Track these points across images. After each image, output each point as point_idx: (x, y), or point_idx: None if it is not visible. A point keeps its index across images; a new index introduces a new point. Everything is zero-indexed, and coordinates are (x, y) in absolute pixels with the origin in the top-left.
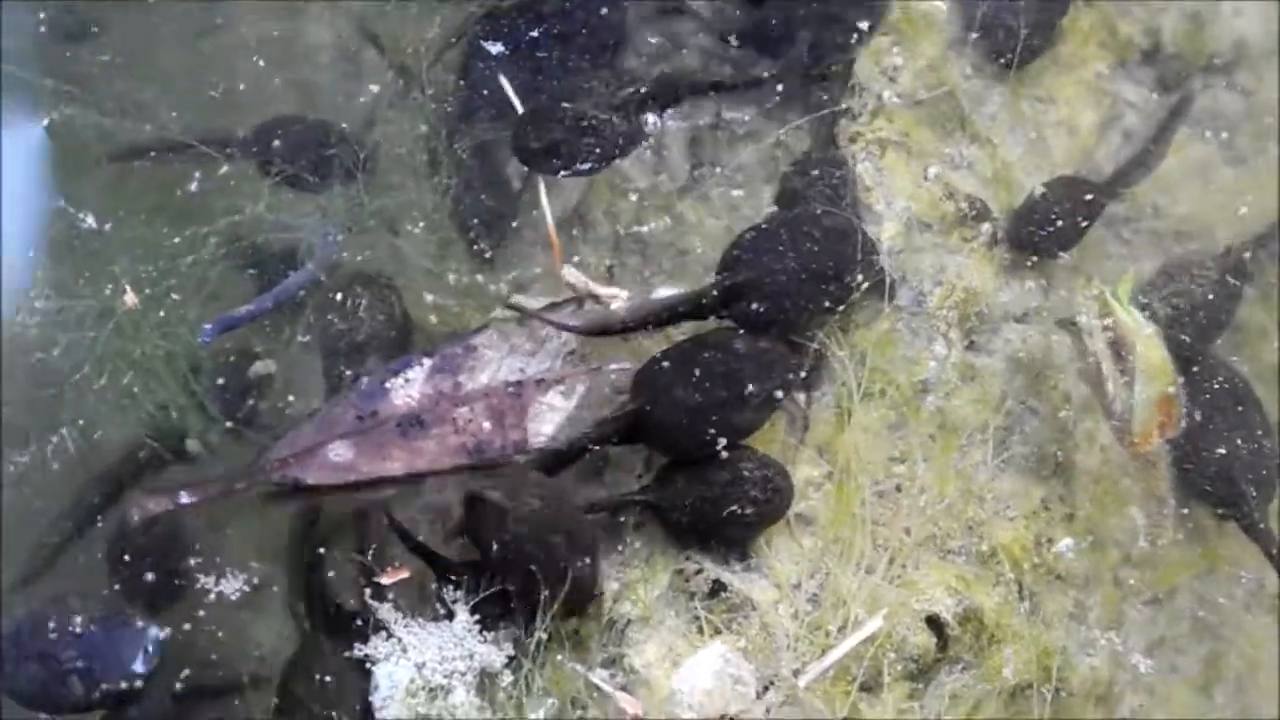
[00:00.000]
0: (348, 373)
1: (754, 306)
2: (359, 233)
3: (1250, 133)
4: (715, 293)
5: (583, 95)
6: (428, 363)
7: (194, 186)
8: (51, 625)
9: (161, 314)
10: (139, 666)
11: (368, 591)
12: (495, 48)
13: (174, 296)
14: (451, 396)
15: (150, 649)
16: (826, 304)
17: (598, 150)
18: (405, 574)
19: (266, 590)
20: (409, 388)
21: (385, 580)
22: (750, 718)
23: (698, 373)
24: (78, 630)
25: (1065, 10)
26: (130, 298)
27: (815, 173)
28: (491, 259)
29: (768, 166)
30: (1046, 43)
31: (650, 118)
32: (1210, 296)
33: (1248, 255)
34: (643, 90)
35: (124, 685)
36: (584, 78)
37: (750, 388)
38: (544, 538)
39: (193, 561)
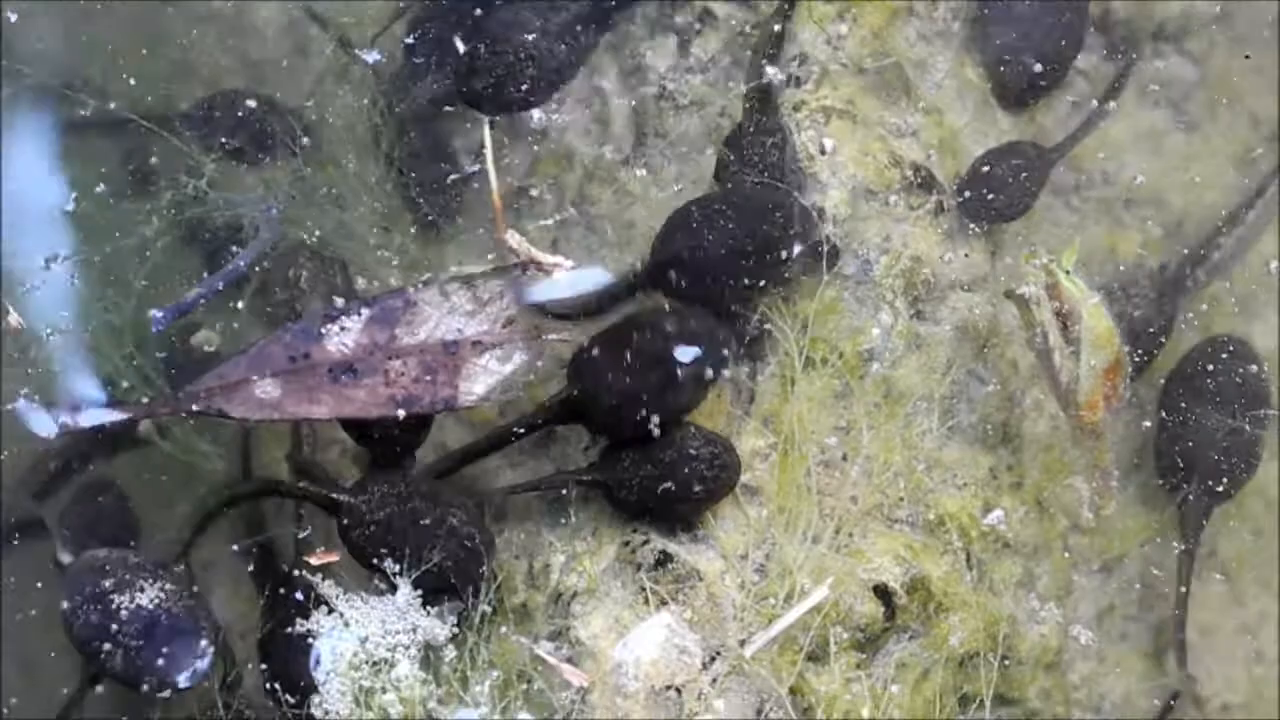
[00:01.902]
0: None
1: (680, 283)
2: (304, 206)
3: (1201, 100)
4: (641, 269)
5: (517, 28)
6: (366, 312)
7: (138, 161)
8: (120, 576)
9: (107, 289)
10: (182, 680)
11: (297, 572)
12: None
13: (119, 270)
14: (386, 348)
15: (199, 664)
16: (747, 280)
17: (542, 81)
18: (334, 557)
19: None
20: (345, 335)
21: (314, 561)
22: (696, 688)
23: (629, 355)
24: (143, 604)
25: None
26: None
27: (748, 144)
28: (439, 230)
29: (712, 136)
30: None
31: (536, 114)
32: (1147, 314)
33: (1188, 271)
34: (576, 12)
35: (160, 685)
36: (518, 10)
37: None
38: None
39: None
